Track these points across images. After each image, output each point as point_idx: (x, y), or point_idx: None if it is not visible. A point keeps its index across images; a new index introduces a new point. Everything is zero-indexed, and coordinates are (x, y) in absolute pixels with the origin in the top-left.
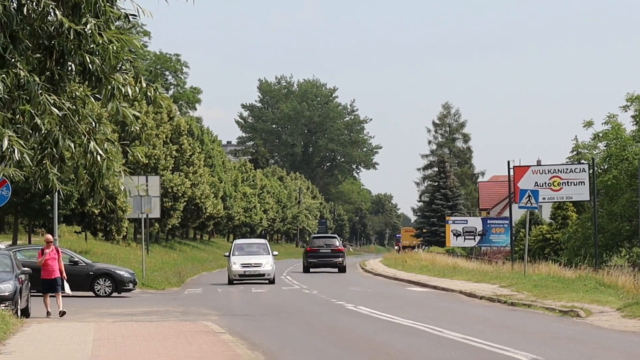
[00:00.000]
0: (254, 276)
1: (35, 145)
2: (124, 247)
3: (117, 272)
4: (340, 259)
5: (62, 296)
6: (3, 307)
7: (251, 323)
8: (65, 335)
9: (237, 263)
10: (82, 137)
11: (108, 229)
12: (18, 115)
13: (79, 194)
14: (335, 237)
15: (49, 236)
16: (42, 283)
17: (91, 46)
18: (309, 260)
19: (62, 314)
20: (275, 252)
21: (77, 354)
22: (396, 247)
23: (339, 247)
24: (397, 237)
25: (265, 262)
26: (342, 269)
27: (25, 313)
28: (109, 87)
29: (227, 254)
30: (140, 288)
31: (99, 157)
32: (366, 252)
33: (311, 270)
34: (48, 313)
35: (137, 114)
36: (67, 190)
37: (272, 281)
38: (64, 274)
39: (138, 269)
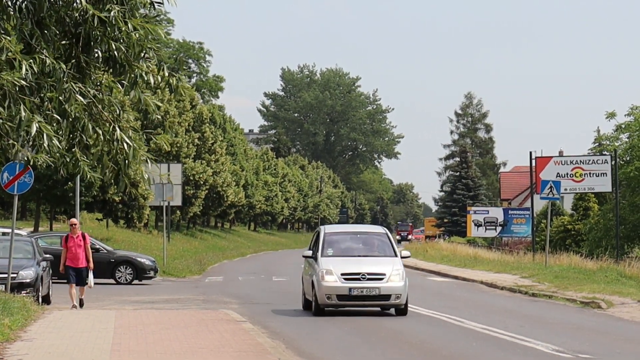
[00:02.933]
0: (369, 298)
1: (63, 131)
2: (145, 234)
3: (138, 259)
4: None
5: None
6: (24, 294)
7: (272, 312)
8: (86, 323)
9: (335, 272)
10: (107, 124)
11: (129, 216)
12: (46, 102)
13: (102, 182)
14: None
15: (74, 220)
16: (65, 271)
17: (116, 34)
18: None
19: (77, 305)
20: (407, 253)
21: (98, 341)
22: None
23: None
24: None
25: (391, 272)
26: None
27: (47, 300)
28: (132, 74)
29: (308, 252)
30: (161, 276)
31: (125, 145)
32: None
33: None
34: (74, 306)
35: (159, 103)
36: (96, 178)
37: (402, 310)
38: (91, 264)
39: (159, 256)
